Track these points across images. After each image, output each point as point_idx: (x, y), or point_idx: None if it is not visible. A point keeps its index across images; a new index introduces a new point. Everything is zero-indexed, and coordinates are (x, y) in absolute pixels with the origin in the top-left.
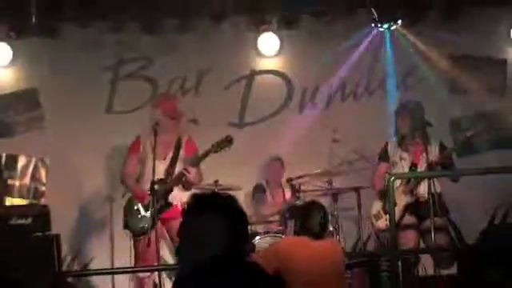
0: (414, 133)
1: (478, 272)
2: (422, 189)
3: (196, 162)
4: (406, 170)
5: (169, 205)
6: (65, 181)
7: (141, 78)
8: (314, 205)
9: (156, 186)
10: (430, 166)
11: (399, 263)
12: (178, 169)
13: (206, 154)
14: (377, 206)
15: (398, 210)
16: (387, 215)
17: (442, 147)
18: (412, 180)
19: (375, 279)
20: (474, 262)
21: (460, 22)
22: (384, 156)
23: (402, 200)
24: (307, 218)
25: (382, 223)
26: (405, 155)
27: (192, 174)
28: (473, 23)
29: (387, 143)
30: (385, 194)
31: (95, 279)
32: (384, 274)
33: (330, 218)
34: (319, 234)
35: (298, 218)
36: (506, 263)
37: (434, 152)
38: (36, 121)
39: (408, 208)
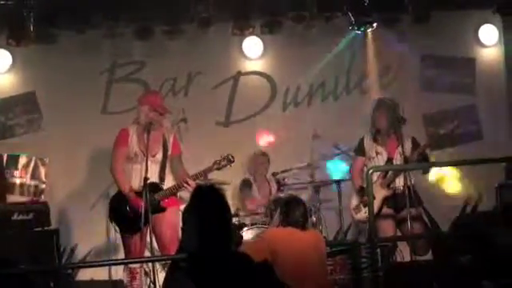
0: (390, 128)
1: (451, 257)
2: (398, 182)
3: (196, 176)
4: (382, 164)
5: (162, 209)
6: (63, 178)
7: (134, 81)
8: (293, 200)
9: (154, 195)
10: (406, 160)
11: (378, 250)
12: (167, 170)
13: (207, 171)
14: (356, 199)
15: (376, 203)
16: (366, 208)
17: (415, 143)
18: (389, 174)
19: (356, 266)
20: (447, 249)
21: (431, 24)
22: (360, 150)
23: (379, 193)
24: (289, 212)
25: (361, 215)
26: (380, 149)
27: (192, 187)
28: (443, 25)
29: (363, 137)
30: (362, 188)
31: (93, 270)
32: (364, 260)
33: (312, 209)
34: (302, 225)
35: (280, 212)
36: (476, 249)
37: (407, 147)
38: (35, 122)
39: (386, 201)
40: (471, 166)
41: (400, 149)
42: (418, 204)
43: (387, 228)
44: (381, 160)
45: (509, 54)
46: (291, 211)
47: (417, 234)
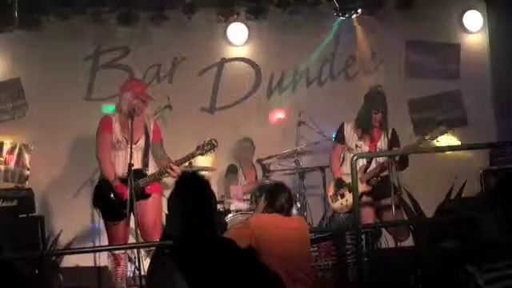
0: (380, 122)
1: (435, 243)
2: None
3: (180, 162)
4: (363, 159)
5: (146, 196)
6: (48, 165)
7: (118, 67)
8: (278, 186)
9: (138, 181)
10: (390, 147)
11: (363, 236)
12: (150, 156)
13: (190, 157)
14: (332, 187)
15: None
16: (343, 199)
17: (394, 135)
18: (370, 169)
19: (341, 252)
20: (431, 234)
21: (415, 10)
22: (340, 137)
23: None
24: (273, 198)
25: (337, 205)
26: (360, 143)
27: (176, 172)
28: (427, 10)
29: (343, 124)
30: (339, 179)
31: (77, 257)
32: (349, 246)
33: (297, 195)
34: (287, 211)
35: (265, 198)
36: (460, 234)
37: (386, 140)
38: (20, 109)
39: (363, 195)
40: (456, 151)
41: (380, 144)
42: (395, 193)
43: (366, 216)
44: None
45: (493, 39)
46: (276, 197)
47: (401, 221)
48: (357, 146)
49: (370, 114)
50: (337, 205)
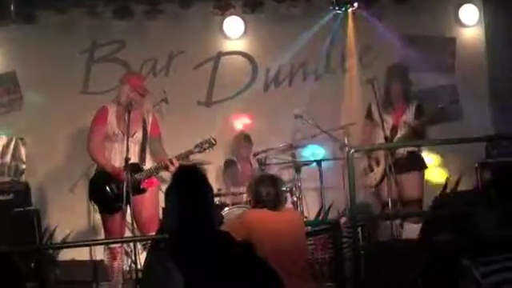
0: (401, 94)
1: (432, 236)
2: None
3: (177, 158)
4: (387, 132)
5: (143, 191)
6: (43, 159)
7: (114, 61)
8: (261, 179)
9: (135, 176)
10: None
11: (359, 230)
12: (147, 151)
13: (188, 154)
14: (364, 162)
15: (380, 169)
16: (373, 172)
17: (419, 110)
18: (395, 140)
19: (337, 245)
20: (428, 227)
21: (411, 4)
22: (368, 115)
23: (383, 159)
24: (255, 192)
25: (370, 179)
26: (387, 117)
27: (176, 166)
28: (423, 4)
29: (370, 104)
30: (370, 152)
31: (74, 251)
32: (345, 239)
33: (293, 189)
34: (271, 205)
35: (251, 192)
36: (456, 226)
37: (410, 113)
38: (16, 102)
39: (389, 167)
40: (451, 145)
41: (405, 117)
42: (420, 168)
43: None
44: (386, 128)
45: (489, 33)
46: (257, 191)
47: (400, 214)
48: (382, 120)
49: (390, 86)
50: (368, 178)
